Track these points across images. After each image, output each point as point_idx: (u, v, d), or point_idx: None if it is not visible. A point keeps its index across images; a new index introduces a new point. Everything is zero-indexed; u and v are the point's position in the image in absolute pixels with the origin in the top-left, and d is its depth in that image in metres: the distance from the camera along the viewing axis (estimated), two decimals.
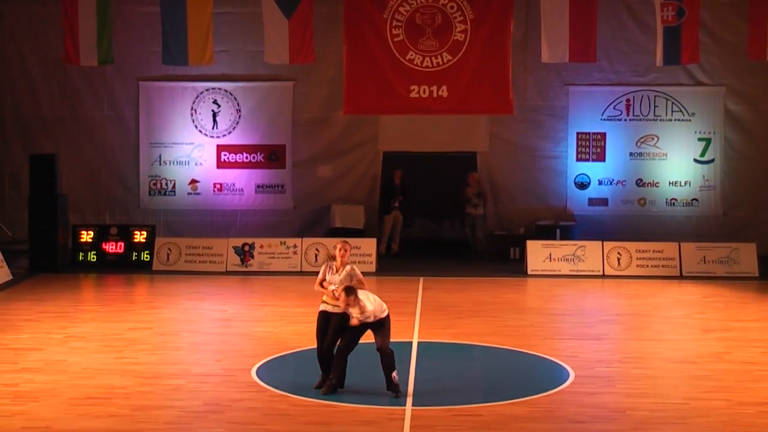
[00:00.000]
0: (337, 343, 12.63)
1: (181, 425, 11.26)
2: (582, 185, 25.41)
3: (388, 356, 12.41)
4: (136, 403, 12.09)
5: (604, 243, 23.14)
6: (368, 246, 23.08)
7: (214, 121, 25.49)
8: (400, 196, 25.26)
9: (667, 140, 25.22)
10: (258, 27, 23.10)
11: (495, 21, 22.62)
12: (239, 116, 25.50)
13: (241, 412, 11.77)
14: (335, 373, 12.52)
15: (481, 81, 22.61)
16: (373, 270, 22.42)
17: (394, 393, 12.31)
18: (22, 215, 23.84)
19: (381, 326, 12.48)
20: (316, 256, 22.95)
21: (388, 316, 12.57)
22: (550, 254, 23.01)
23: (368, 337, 12.63)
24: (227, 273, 22.91)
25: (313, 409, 11.88)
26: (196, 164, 25.52)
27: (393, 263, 23.72)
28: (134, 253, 23.47)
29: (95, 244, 23.57)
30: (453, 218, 27.04)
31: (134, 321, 17.32)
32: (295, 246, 23.26)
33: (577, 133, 25.36)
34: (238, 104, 25.49)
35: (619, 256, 22.96)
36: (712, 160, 25.25)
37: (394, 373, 12.38)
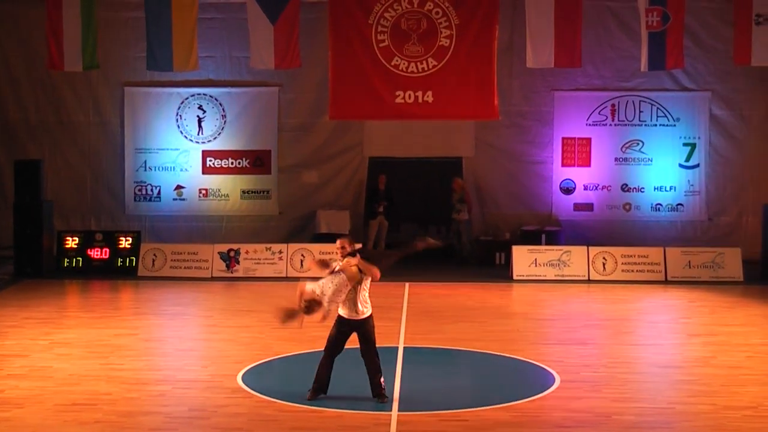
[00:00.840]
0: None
1: (167, 431, 11.25)
2: (567, 190, 25.47)
3: (374, 361, 12.40)
4: (121, 410, 12.06)
5: (590, 248, 23.20)
6: None
7: (200, 126, 25.48)
8: (384, 201, 25.27)
9: (652, 145, 25.29)
10: (243, 32, 23.13)
11: (480, 26, 22.67)
12: (225, 122, 25.49)
13: (227, 418, 11.76)
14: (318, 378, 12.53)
15: (467, 86, 22.64)
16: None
17: (380, 399, 12.31)
18: (7, 221, 23.79)
19: (364, 329, 12.44)
20: (301, 261, 22.96)
21: (371, 317, 12.51)
22: (536, 259, 23.04)
23: (354, 342, 12.63)
24: (213, 279, 22.89)
25: (299, 414, 11.87)
26: (181, 170, 25.49)
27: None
28: (119, 259, 23.44)
29: (80, 250, 23.52)
30: (439, 224, 27.05)
31: (119, 327, 17.29)
32: (280, 251, 23.25)
33: (563, 138, 25.42)
34: (223, 110, 25.48)
35: (604, 261, 23.01)
36: (697, 165, 25.33)
37: (380, 379, 12.38)
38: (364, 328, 12.42)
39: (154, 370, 14.18)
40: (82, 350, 15.37)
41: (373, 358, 12.41)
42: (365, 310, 12.40)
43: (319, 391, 12.48)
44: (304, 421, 11.58)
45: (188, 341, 16.42)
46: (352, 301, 12.31)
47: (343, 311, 12.41)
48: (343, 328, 12.46)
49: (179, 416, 11.80)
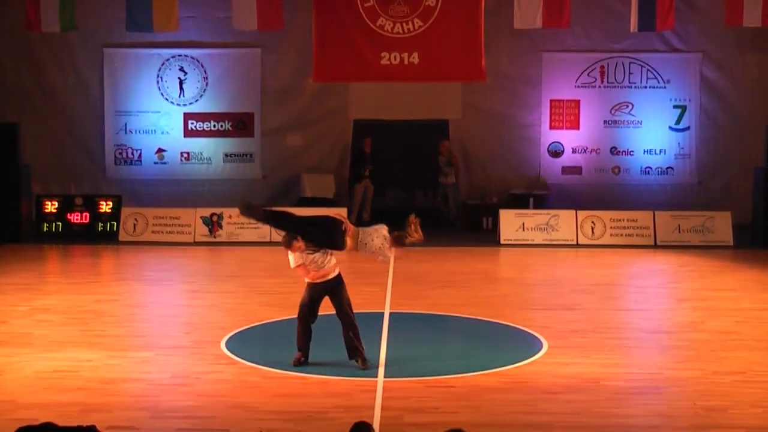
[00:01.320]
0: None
1: (150, 398, 11.27)
2: (555, 153, 25.49)
3: (350, 320, 12.38)
4: (103, 376, 12.07)
5: (578, 212, 23.25)
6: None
7: (181, 88, 25.39)
8: (370, 164, 25.25)
9: (641, 108, 25.31)
10: None
11: None
12: (206, 84, 25.41)
13: (210, 385, 11.79)
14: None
15: (453, 47, 22.56)
16: None
17: (361, 362, 12.30)
18: None
19: (335, 289, 12.42)
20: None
21: (339, 276, 12.50)
22: (524, 224, 23.09)
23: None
24: (195, 244, 22.88)
25: (283, 381, 11.90)
26: (162, 133, 25.43)
27: None
28: (100, 224, 23.41)
29: (60, 215, 23.48)
30: (425, 187, 27.08)
31: (101, 293, 17.29)
32: None
33: (551, 101, 25.41)
34: (205, 71, 25.39)
35: (593, 225, 23.07)
36: (688, 128, 25.37)
37: (358, 342, 12.36)
38: (336, 288, 12.41)
39: (137, 337, 14.19)
40: (63, 316, 15.36)
41: (349, 317, 12.39)
42: (334, 270, 12.42)
43: (303, 358, 12.51)
44: (288, 388, 11.61)
45: (171, 307, 16.43)
46: (320, 264, 12.30)
47: (311, 276, 12.40)
48: (314, 293, 12.46)
49: (162, 383, 11.83)
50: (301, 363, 12.45)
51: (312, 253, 12.26)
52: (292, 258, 12.34)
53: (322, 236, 12.19)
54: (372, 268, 18.33)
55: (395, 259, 12.65)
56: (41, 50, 25.22)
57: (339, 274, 12.48)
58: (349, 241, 12.14)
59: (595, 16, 25.12)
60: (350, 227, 12.19)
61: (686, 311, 16.13)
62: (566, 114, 25.41)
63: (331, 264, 12.40)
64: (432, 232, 24.11)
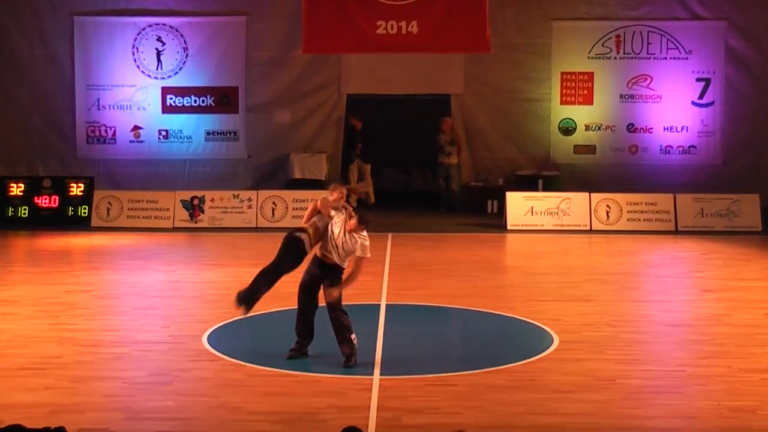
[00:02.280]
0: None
1: (125, 397, 11.25)
2: (567, 131, 25.48)
3: (343, 316, 12.34)
4: (74, 374, 12.06)
5: (592, 195, 23.24)
6: None
7: (159, 60, 25.35)
8: (360, 142, 25.22)
9: (661, 81, 25.29)
10: None
11: None
12: (186, 55, 25.37)
13: (191, 383, 11.77)
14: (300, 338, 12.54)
15: (455, 15, 22.52)
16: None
17: (349, 360, 12.27)
18: None
19: (330, 275, 12.39)
20: (273, 210, 22.94)
21: (342, 271, 12.48)
22: (532, 207, 23.08)
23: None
24: (174, 229, 22.86)
25: (270, 379, 11.88)
26: (138, 109, 25.40)
27: None
28: (70, 208, 23.39)
29: (26, 198, 23.45)
30: (424, 168, 27.07)
31: (71, 283, 17.27)
32: (249, 199, 23.22)
33: (562, 74, 25.39)
34: (185, 42, 25.35)
35: (608, 209, 23.06)
36: (712, 103, 25.34)
37: (352, 336, 12.33)
38: (335, 276, 12.38)
39: (110, 331, 14.18)
40: (30, 309, 15.34)
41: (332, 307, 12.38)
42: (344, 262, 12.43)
43: (299, 352, 12.49)
44: (275, 386, 11.60)
45: (148, 299, 16.41)
46: (337, 246, 12.29)
47: (323, 252, 12.37)
48: (316, 270, 12.38)
49: (138, 381, 11.81)
50: (294, 356, 12.42)
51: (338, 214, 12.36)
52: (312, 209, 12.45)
53: (293, 259, 12.31)
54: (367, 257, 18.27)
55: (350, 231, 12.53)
56: (5, 18, 25.17)
57: (342, 268, 12.43)
58: (307, 239, 12.22)
59: None
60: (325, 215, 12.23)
61: (710, 303, 16.13)
62: (579, 88, 25.38)
63: (354, 252, 12.37)
64: (432, 217, 24.18)
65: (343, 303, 12.43)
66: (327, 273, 12.35)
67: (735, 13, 25.19)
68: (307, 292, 12.46)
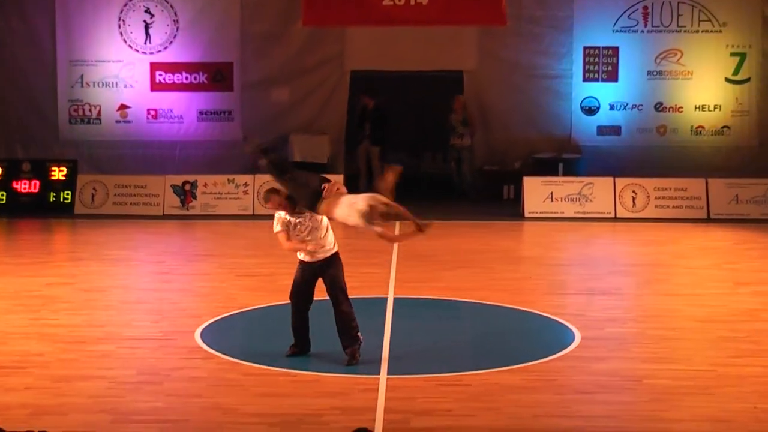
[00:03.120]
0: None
1: (111, 398, 11.28)
2: (590, 110, 25.46)
3: (346, 309, 12.35)
4: (56, 373, 12.09)
5: (616, 179, 23.24)
6: None
7: (147, 34, 25.35)
8: (368, 122, 25.19)
9: (692, 56, 25.25)
10: None
11: None
12: (177, 28, 25.36)
13: (182, 383, 11.80)
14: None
15: None
16: None
17: (353, 357, 12.29)
18: None
19: (327, 270, 12.38)
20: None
21: (335, 255, 12.48)
22: (552, 193, 23.08)
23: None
24: (164, 217, 22.89)
25: (267, 378, 11.91)
26: (125, 86, 25.40)
27: None
28: (52, 194, 23.41)
29: (4, 183, 23.49)
30: (435, 150, 27.06)
31: (53, 275, 17.30)
32: (245, 184, 23.25)
33: (584, 48, 25.35)
34: (175, 14, 25.34)
35: (633, 195, 23.06)
36: (747, 80, 25.31)
37: (357, 333, 12.35)
38: (329, 268, 12.37)
39: (95, 327, 14.20)
40: (9, 303, 15.38)
41: (340, 300, 12.35)
42: (331, 248, 12.39)
43: (299, 352, 12.52)
44: (273, 386, 11.62)
45: (135, 292, 16.44)
46: (308, 235, 12.25)
47: (306, 253, 12.35)
48: (306, 274, 12.42)
49: (125, 381, 11.84)
50: (295, 354, 12.46)
51: (298, 217, 12.22)
52: (276, 220, 12.33)
53: (299, 189, 12.16)
54: (373, 246, 18.32)
55: (390, 241, 12.45)
56: None
57: (336, 253, 12.44)
58: (324, 207, 12.01)
59: None
60: (331, 192, 12.01)
61: (745, 297, 16.13)
62: (603, 64, 25.35)
63: (327, 241, 12.36)
64: (443, 204, 24.18)
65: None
66: (321, 268, 12.36)
67: None
68: (301, 293, 12.47)
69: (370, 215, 11.66)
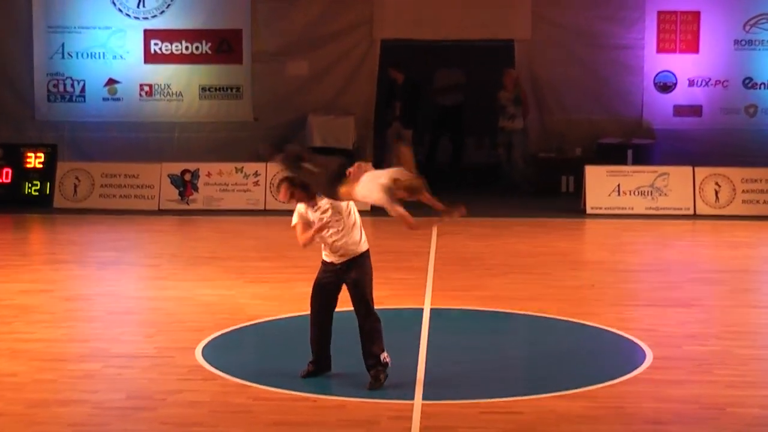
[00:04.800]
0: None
1: (96, 427, 11.31)
2: (665, 87, 25.41)
3: (368, 319, 12.35)
4: (31, 397, 12.12)
5: (696, 169, 23.18)
6: None
7: None
8: (400, 101, 25.17)
9: None
10: None
11: None
12: None
13: (180, 409, 11.81)
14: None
15: None
16: (369, 207, 22.37)
17: (372, 379, 12.29)
18: None
19: (351, 273, 12.36)
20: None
21: (364, 255, 12.44)
22: (619, 185, 23.05)
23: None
24: (160, 212, 22.95)
25: (282, 404, 11.92)
26: (114, 57, 25.47)
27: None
28: (27, 184, 23.49)
29: None
30: (480, 135, 27.05)
31: (28, 281, 17.36)
32: (256, 174, 23.27)
33: (659, 13, 25.32)
34: None
35: (717, 187, 23.00)
36: None
37: (383, 354, 12.35)
38: (354, 270, 12.35)
39: (78, 342, 14.25)
40: None
41: (367, 312, 12.34)
42: (359, 246, 12.37)
43: (317, 370, 12.52)
44: (288, 413, 11.63)
45: (126, 300, 16.49)
46: (334, 232, 12.27)
47: (327, 250, 12.35)
48: (326, 277, 12.40)
49: (113, 406, 11.86)
50: (312, 373, 12.47)
51: (318, 209, 12.22)
52: (295, 212, 12.34)
53: (315, 175, 12.17)
54: (406, 247, 18.35)
55: (409, 228, 12.38)
56: None
57: (364, 254, 12.41)
58: (344, 190, 11.99)
59: None
60: (357, 176, 11.99)
61: None
62: (681, 32, 25.30)
63: (354, 237, 12.33)
64: (490, 197, 24.17)
65: (376, 307, 12.44)
66: (345, 270, 12.34)
67: None
68: (321, 299, 12.47)
69: (394, 192, 11.67)
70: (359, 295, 12.33)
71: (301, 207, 12.33)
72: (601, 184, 23.11)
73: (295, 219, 12.35)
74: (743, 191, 23.02)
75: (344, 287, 12.46)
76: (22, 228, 21.72)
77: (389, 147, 25.20)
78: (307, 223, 12.27)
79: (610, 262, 19.27)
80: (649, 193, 23.01)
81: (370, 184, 11.72)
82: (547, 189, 24.63)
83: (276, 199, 12.22)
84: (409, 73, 25.39)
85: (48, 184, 23.45)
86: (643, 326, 14.86)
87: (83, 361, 13.37)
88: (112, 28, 25.45)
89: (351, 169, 11.98)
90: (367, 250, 12.41)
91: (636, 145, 24.58)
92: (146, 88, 25.57)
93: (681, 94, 25.44)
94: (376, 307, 12.43)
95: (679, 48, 25.37)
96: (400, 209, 11.69)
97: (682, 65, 25.39)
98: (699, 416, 11.67)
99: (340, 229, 12.25)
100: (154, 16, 25.47)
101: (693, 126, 25.41)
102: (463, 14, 25.21)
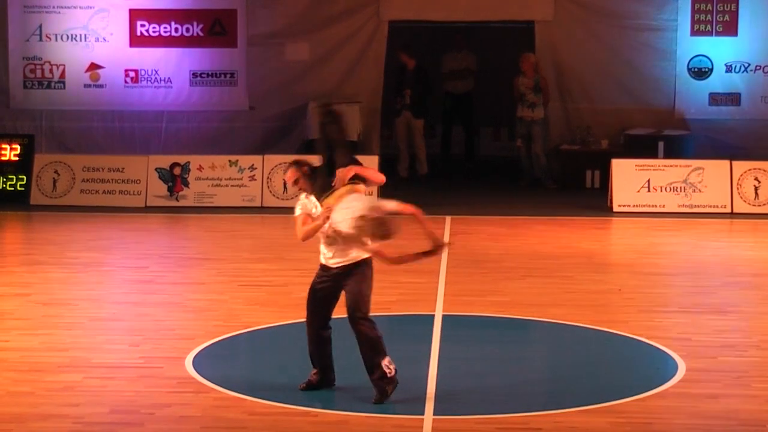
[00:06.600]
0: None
1: None
2: (700, 73, 25.42)
3: (369, 331, 12.36)
4: (6, 411, 12.16)
5: (733, 163, 23.19)
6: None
7: None
8: (409, 88, 25.17)
9: None
10: None
11: None
12: None
13: (169, 424, 11.85)
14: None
15: None
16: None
17: (383, 393, 12.30)
18: None
19: (352, 276, 12.37)
20: (284, 183, 22.98)
21: (369, 262, 12.44)
22: (649, 181, 23.07)
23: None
24: (147, 209, 22.99)
25: (278, 418, 11.95)
26: (97, 40, 25.50)
27: (406, 193, 23.66)
28: (1, 179, 23.53)
29: None
30: (497, 125, 27.07)
31: (2, 284, 17.42)
32: (252, 167, 23.30)
33: None
34: None
35: (756, 183, 23.01)
36: None
37: (384, 360, 12.35)
38: (353, 276, 12.36)
39: (57, 351, 14.28)
40: None
41: (360, 320, 12.34)
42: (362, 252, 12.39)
43: (318, 383, 12.55)
44: (286, 429, 11.66)
45: (109, 306, 16.52)
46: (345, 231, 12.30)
47: (330, 254, 12.35)
48: (323, 281, 12.40)
49: (95, 421, 11.90)
50: (312, 386, 12.50)
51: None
52: (298, 204, 12.36)
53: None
54: (417, 247, 18.32)
55: (391, 264, 12.38)
56: None
57: (365, 261, 12.38)
58: (330, 201, 12.05)
59: None
60: (343, 181, 12.05)
61: None
62: (717, 12, 25.30)
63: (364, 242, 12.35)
64: (508, 193, 24.19)
65: (384, 313, 12.46)
66: (343, 276, 12.33)
67: None
68: (315, 306, 12.48)
69: (367, 226, 11.70)
70: (353, 307, 12.27)
71: (304, 199, 12.34)
72: (630, 179, 23.13)
73: (298, 210, 12.33)
74: None
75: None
76: None
77: (398, 138, 25.25)
78: (309, 216, 12.29)
79: (638, 264, 19.30)
80: (682, 190, 23.03)
81: (346, 212, 11.77)
82: (571, 185, 24.68)
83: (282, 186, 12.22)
84: (420, 58, 25.41)
85: (24, 178, 23.49)
86: (674, 335, 14.89)
87: (63, 372, 13.41)
88: (94, 8, 25.49)
89: (339, 173, 12.03)
90: (370, 258, 12.35)
91: (668, 136, 24.60)
92: (132, 74, 25.61)
93: (717, 81, 25.46)
94: (383, 313, 12.46)
95: (715, 30, 25.39)
96: (371, 246, 11.75)
97: (718, 49, 25.40)
98: None
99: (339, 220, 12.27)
100: None
101: (730, 116, 25.43)
102: None
